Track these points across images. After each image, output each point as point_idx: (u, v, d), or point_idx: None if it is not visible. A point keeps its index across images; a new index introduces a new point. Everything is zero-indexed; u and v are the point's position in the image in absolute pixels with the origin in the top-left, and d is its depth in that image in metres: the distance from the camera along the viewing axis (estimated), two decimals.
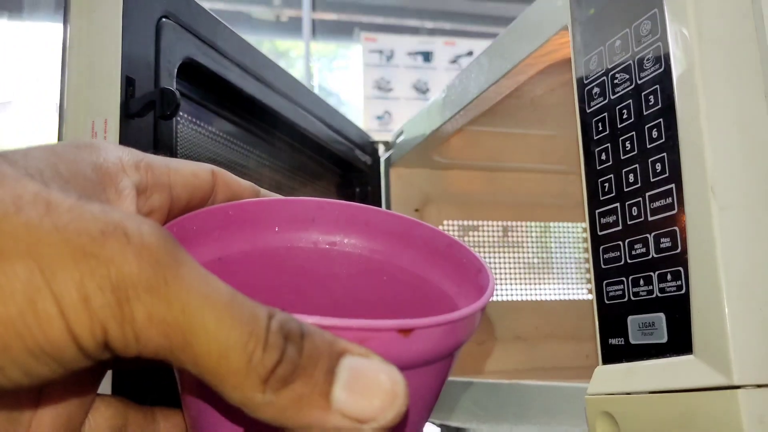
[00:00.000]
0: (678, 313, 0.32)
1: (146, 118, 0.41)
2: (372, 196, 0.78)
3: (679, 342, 0.31)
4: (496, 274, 0.87)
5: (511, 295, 0.88)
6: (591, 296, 0.90)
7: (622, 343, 0.35)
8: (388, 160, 0.82)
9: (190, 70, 0.48)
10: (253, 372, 0.17)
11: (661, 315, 0.33)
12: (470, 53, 2.51)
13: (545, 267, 0.90)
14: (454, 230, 0.85)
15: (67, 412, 0.22)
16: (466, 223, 0.86)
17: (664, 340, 0.32)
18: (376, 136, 0.85)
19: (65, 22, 0.41)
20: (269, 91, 0.58)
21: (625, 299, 0.35)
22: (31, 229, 0.16)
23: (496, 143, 0.83)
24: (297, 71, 3.24)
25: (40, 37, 2.23)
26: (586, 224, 0.39)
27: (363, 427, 0.18)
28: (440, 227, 0.84)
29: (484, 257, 0.86)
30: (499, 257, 0.87)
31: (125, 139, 0.40)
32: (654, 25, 0.34)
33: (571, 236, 0.91)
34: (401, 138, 0.80)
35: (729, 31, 0.31)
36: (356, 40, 2.53)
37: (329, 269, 0.31)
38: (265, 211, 0.29)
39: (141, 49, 0.43)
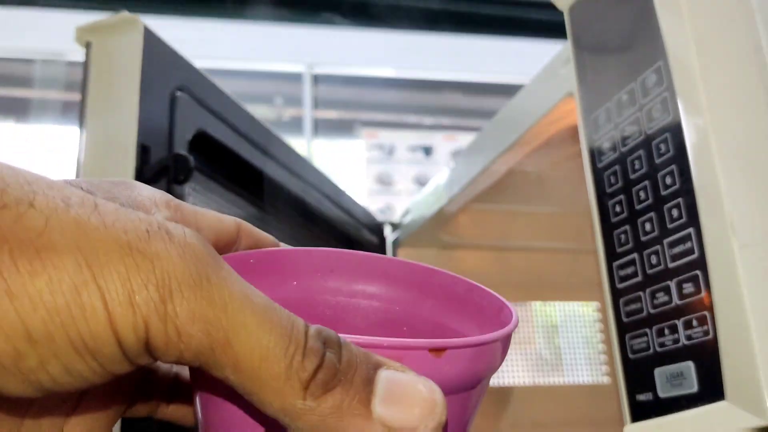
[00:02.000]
0: (707, 359, 0.31)
1: (159, 185, 0.42)
2: None
3: (711, 389, 0.30)
4: (506, 365, 0.85)
5: (524, 379, 0.86)
6: (607, 379, 0.87)
7: (651, 398, 0.34)
8: (395, 241, 0.82)
9: (201, 143, 0.49)
10: (294, 376, 0.17)
11: (690, 363, 0.32)
12: None
13: (557, 353, 0.88)
14: None
15: None
16: None
17: (695, 389, 0.31)
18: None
19: (83, 92, 0.42)
20: (277, 166, 0.59)
21: (651, 351, 0.34)
22: (80, 225, 0.16)
23: (503, 222, 0.83)
24: None
25: (48, 139, 2.29)
26: (603, 278, 0.38)
27: None
28: None
29: None
30: (510, 351, 0.86)
31: None
32: (659, 77, 0.34)
33: (584, 317, 0.90)
34: (408, 217, 0.80)
35: (735, 75, 0.32)
36: (357, 136, 2.59)
37: (349, 322, 0.31)
38: (286, 260, 0.29)
39: (156, 118, 0.44)
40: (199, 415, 0.22)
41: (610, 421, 0.84)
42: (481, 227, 0.82)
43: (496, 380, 0.84)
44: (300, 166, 0.63)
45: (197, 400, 0.22)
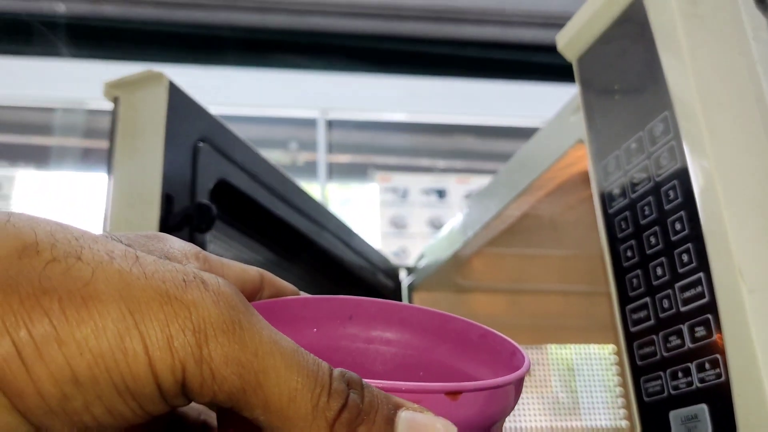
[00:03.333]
0: (720, 401, 0.31)
1: (182, 233, 0.43)
2: None
3: (725, 431, 0.31)
4: (523, 408, 0.85)
5: (541, 423, 0.85)
6: (625, 423, 0.86)
7: None
8: (411, 285, 0.83)
9: (222, 191, 0.50)
10: (321, 416, 0.18)
11: (704, 406, 0.32)
12: None
13: (573, 396, 0.88)
14: None
15: None
16: None
17: (709, 431, 0.32)
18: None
19: (111, 144, 0.44)
20: (296, 213, 0.60)
21: (665, 394, 0.35)
22: (123, 275, 0.18)
23: (517, 265, 0.83)
24: None
25: (67, 186, 2.33)
26: (617, 322, 0.39)
27: None
28: None
29: None
30: (524, 396, 0.86)
31: None
32: (666, 126, 0.36)
33: (600, 360, 0.89)
34: (423, 261, 0.81)
35: (739, 124, 0.33)
36: (371, 179, 2.61)
37: (367, 367, 0.32)
38: (307, 307, 0.30)
39: (179, 169, 0.45)
40: None
41: None
42: (495, 270, 0.83)
43: (514, 423, 0.83)
44: (317, 212, 0.65)
45: None
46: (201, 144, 0.48)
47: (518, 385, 0.25)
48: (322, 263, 0.67)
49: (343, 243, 0.69)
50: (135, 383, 0.17)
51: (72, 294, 0.17)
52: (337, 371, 0.19)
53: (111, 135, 0.44)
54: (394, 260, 0.85)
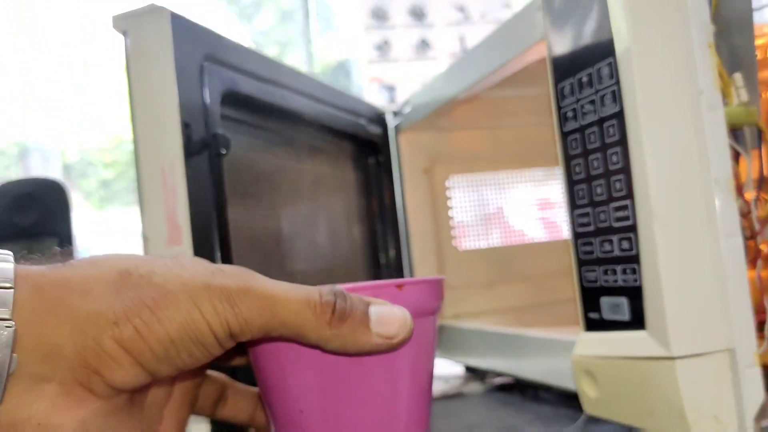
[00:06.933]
0: (635, 298, 0.41)
1: (201, 156, 0.50)
2: (385, 165, 0.87)
3: (637, 320, 0.41)
4: (501, 227, 0.97)
5: (513, 239, 0.98)
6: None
7: (598, 317, 0.45)
8: (397, 127, 0.91)
9: (230, 97, 0.57)
10: (320, 318, 0.31)
11: (624, 299, 0.42)
12: None
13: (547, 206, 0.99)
14: (461, 184, 0.94)
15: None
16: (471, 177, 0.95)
17: (627, 318, 0.42)
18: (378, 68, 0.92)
19: (129, 78, 0.49)
20: (290, 94, 0.67)
21: (598, 284, 0.45)
22: (180, 278, 0.30)
23: (497, 105, 0.90)
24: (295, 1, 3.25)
25: None
26: (568, 221, 0.48)
27: (392, 341, 0.32)
28: (447, 181, 0.94)
29: (493, 205, 0.96)
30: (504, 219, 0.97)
31: (188, 174, 0.49)
32: (611, 71, 0.42)
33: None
34: (408, 108, 0.88)
35: (670, 82, 0.40)
36: None
37: None
38: None
39: (191, 95, 0.51)
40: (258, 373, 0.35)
41: None
42: (477, 112, 0.90)
43: (489, 242, 0.96)
44: (309, 86, 0.71)
45: (257, 361, 0.35)
46: (206, 63, 0.53)
47: (439, 287, 0.36)
48: (317, 131, 0.75)
49: (335, 108, 0.76)
50: (203, 338, 0.29)
51: (158, 291, 0.29)
52: (325, 288, 0.31)
53: (127, 68, 0.50)
54: (380, 99, 0.92)
